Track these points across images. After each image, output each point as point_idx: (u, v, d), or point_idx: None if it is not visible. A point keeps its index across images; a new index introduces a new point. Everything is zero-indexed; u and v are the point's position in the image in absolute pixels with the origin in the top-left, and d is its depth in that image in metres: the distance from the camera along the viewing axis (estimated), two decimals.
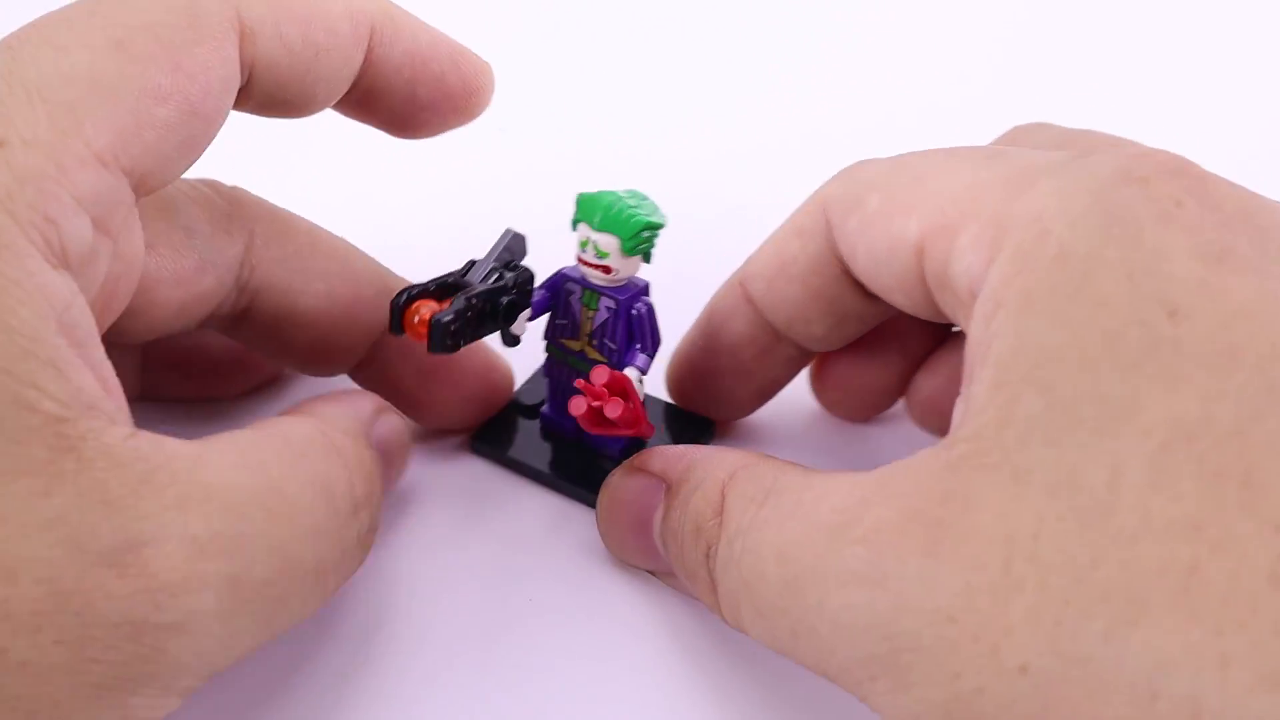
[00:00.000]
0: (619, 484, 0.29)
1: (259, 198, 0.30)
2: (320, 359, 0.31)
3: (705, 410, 0.34)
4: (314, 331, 0.30)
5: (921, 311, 0.27)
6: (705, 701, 0.28)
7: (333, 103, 0.28)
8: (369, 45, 0.27)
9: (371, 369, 0.32)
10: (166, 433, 0.23)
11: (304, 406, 0.27)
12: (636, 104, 0.50)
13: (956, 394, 0.31)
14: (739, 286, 0.31)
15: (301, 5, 0.26)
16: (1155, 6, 0.56)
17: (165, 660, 0.21)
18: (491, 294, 0.29)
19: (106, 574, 0.20)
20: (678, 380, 0.34)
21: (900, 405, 0.34)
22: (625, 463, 0.29)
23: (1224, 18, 0.55)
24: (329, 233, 0.31)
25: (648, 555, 0.29)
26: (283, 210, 0.30)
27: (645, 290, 0.30)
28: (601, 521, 0.30)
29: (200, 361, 0.33)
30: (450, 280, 0.29)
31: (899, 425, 0.34)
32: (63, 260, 0.22)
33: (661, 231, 0.30)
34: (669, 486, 0.28)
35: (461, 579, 0.30)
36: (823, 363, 0.33)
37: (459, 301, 0.28)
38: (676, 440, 0.33)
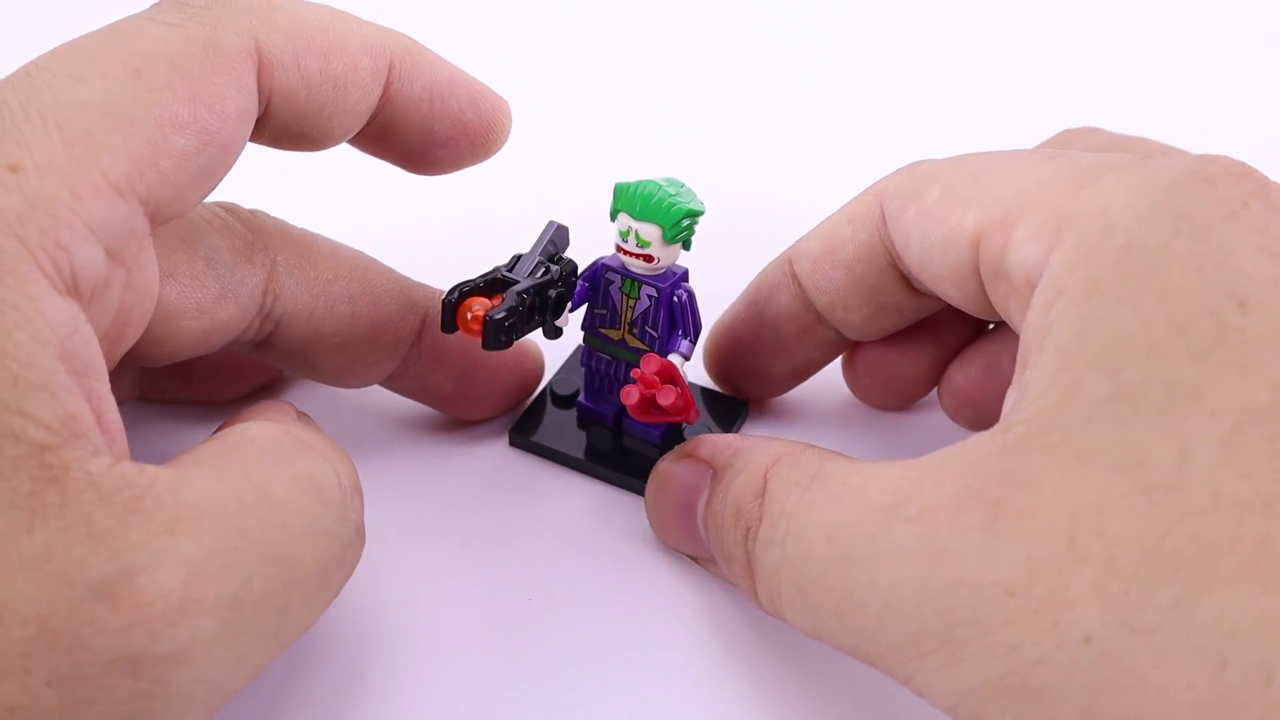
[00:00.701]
0: (667, 469, 0.29)
1: (279, 221, 0.30)
2: (348, 376, 0.31)
3: (739, 385, 0.34)
4: (340, 353, 0.30)
5: (969, 304, 0.27)
6: (739, 682, 0.28)
7: (349, 137, 0.28)
8: (387, 80, 0.27)
9: (405, 378, 0.32)
10: (168, 434, 0.22)
11: (243, 415, 0.26)
12: (669, 96, 0.51)
13: (990, 386, 0.32)
14: (787, 264, 0.31)
15: (321, 38, 0.26)
16: (1187, 11, 0.56)
17: (168, 694, 0.20)
18: (540, 288, 0.29)
19: (98, 608, 0.19)
20: (716, 351, 0.34)
21: (931, 396, 0.34)
22: (674, 449, 0.30)
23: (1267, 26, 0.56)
24: (350, 250, 0.31)
25: (691, 540, 0.29)
26: (303, 232, 0.30)
27: (685, 277, 0.31)
28: (649, 505, 0.30)
29: (199, 365, 0.32)
30: (498, 275, 0.29)
31: (929, 416, 0.35)
32: (72, 288, 0.21)
33: (700, 218, 0.30)
34: (715, 472, 0.28)
35: (503, 567, 0.30)
36: (855, 350, 0.33)
37: (510, 298, 0.28)
38: (708, 420, 0.34)
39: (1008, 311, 0.26)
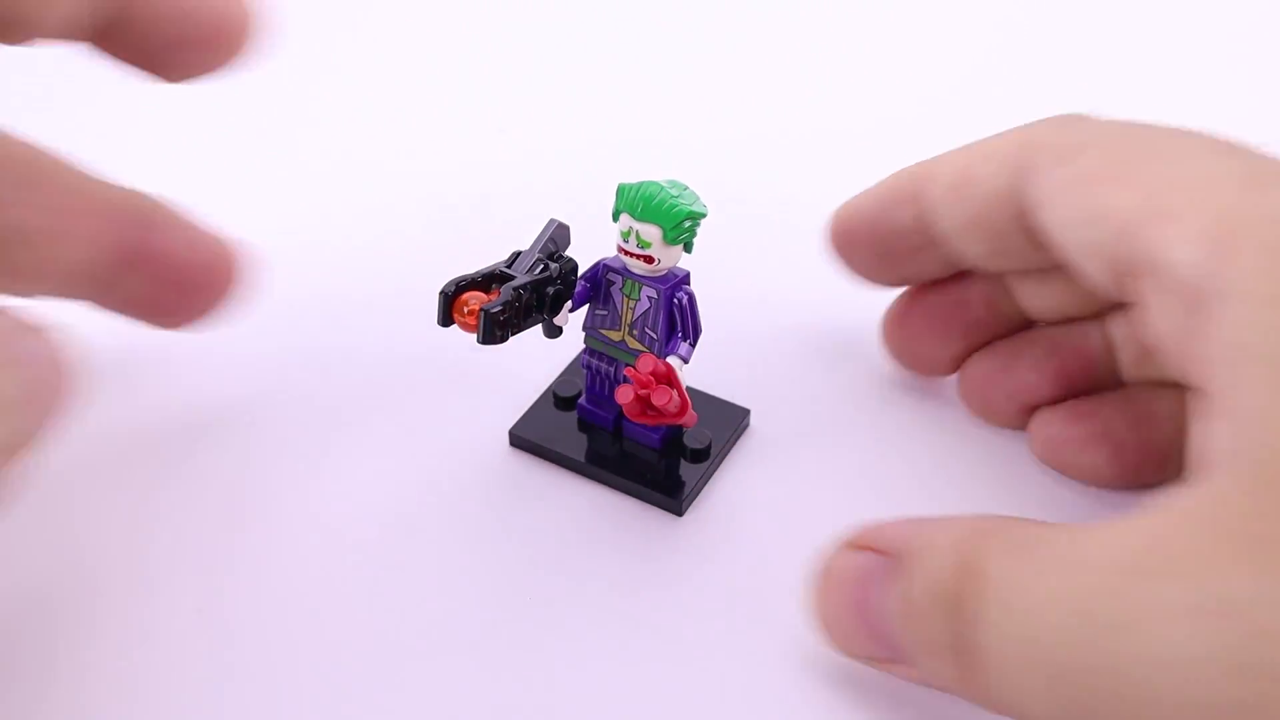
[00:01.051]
0: (836, 562, 0.26)
1: None
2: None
3: (854, 267, 0.34)
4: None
5: (1087, 279, 0.27)
6: (740, 684, 0.28)
7: (64, 32, 0.26)
8: None
9: (118, 291, 0.30)
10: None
11: None
12: (674, 96, 0.51)
13: (1002, 382, 0.32)
14: (919, 181, 0.31)
15: None
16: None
17: None
18: (538, 284, 0.29)
19: None
20: (840, 229, 0.34)
21: (938, 404, 0.34)
22: (844, 541, 0.26)
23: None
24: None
25: (874, 641, 0.25)
26: None
27: (686, 279, 0.31)
28: (820, 610, 0.27)
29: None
30: (497, 271, 0.29)
31: (931, 417, 0.34)
32: None
33: (702, 221, 0.30)
34: (897, 559, 0.25)
35: (502, 565, 0.30)
36: (899, 309, 0.34)
37: (506, 292, 0.28)
38: (709, 425, 0.33)
39: (1143, 304, 0.25)
